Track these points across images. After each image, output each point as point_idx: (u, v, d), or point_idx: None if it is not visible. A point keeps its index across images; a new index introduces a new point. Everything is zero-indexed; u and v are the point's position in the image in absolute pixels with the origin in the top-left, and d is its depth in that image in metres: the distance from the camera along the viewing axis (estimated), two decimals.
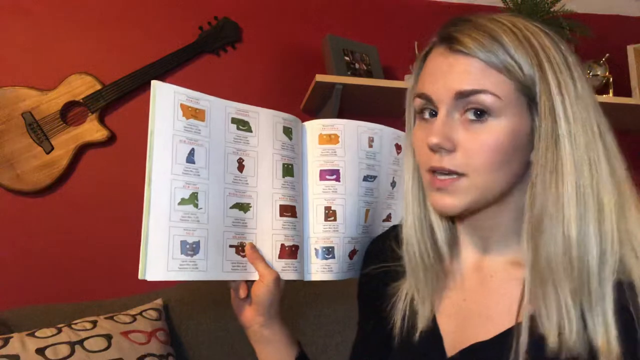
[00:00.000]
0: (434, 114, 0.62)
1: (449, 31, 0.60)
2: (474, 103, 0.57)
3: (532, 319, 0.57)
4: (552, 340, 0.55)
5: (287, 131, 0.81)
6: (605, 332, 0.54)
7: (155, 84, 0.70)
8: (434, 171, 0.61)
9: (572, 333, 0.54)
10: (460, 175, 0.59)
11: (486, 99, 0.57)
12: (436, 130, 0.59)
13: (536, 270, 0.57)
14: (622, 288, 0.55)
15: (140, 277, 0.65)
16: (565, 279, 0.55)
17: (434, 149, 0.59)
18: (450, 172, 0.59)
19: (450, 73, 0.59)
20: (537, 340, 0.56)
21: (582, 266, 0.55)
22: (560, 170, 0.56)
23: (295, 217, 0.79)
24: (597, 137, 0.58)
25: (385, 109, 1.74)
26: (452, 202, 0.60)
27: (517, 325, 0.58)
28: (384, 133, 0.86)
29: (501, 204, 0.63)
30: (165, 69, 1.71)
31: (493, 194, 0.60)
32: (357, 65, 1.72)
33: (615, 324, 0.54)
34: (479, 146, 0.57)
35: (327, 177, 0.81)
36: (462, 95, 0.58)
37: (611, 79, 1.83)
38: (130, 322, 1.34)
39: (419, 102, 0.63)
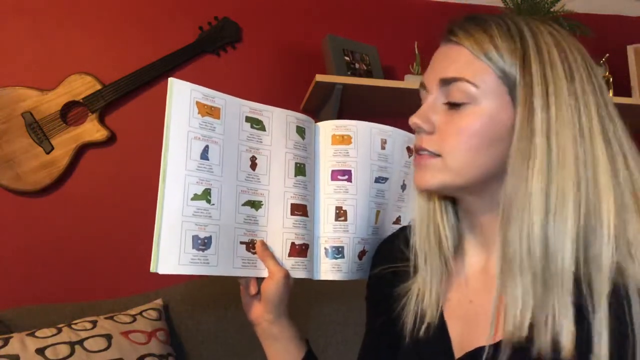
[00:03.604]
0: None
1: (448, 25, 0.64)
2: (455, 90, 0.60)
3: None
4: (508, 328, 0.55)
5: (300, 131, 0.82)
6: (599, 336, 0.53)
7: (172, 81, 0.71)
8: (417, 152, 0.64)
9: (525, 322, 0.54)
10: (436, 155, 0.62)
11: (464, 87, 0.59)
12: (419, 112, 0.63)
13: (504, 261, 0.57)
14: (616, 291, 0.54)
15: (152, 270, 0.66)
16: (527, 274, 0.55)
17: (415, 129, 0.64)
18: (429, 153, 0.62)
19: (440, 62, 0.63)
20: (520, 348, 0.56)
21: (549, 263, 0.54)
22: (532, 162, 0.56)
23: (306, 216, 0.80)
24: (597, 138, 0.57)
25: (386, 109, 1.74)
26: (426, 178, 0.62)
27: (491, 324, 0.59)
28: (396, 135, 0.86)
29: (491, 198, 0.62)
30: (165, 69, 1.71)
31: (469, 178, 0.61)
32: (357, 65, 1.72)
33: (608, 329, 0.53)
34: (454, 130, 0.60)
35: (339, 177, 0.82)
36: (444, 82, 0.61)
37: (611, 79, 1.83)
38: (130, 322, 1.34)
39: (420, 93, 0.67)
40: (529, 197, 0.55)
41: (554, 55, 0.59)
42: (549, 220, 0.55)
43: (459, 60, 0.61)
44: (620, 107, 0.62)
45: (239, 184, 0.75)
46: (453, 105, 0.61)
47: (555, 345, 0.54)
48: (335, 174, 0.82)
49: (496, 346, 0.60)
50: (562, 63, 0.59)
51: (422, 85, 0.66)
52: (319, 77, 1.57)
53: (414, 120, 0.63)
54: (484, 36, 0.60)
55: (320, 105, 1.76)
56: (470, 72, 0.59)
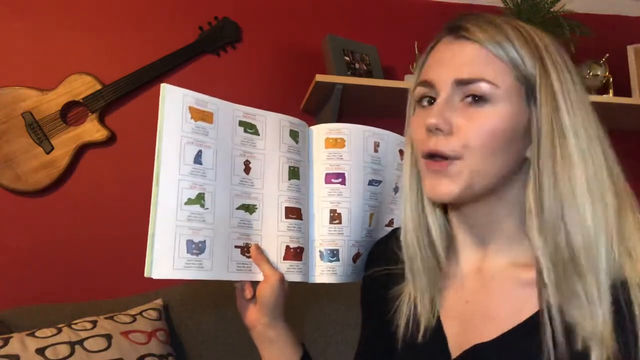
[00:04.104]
0: (432, 102, 0.62)
1: (456, 22, 0.62)
2: (472, 90, 0.59)
3: (556, 311, 0.57)
4: (587, 327, 0.55)
5: (294, 134, 0.81)
6: (603, 326, 0.54)
7: (164, 87, 0.71)
8: (430, 156, 0.61)
9: (599, 321, 0.54)
10: (455, 159, 0.59)
11: (483, 87, 0.58)
12: (435, 112, 0.59)
13: (557, 263, 0.57)
14: (616, 286, 0.56)
15: (146, 274, 0.66)
16: (589, 268, 0.55)
17: (431, 130, 0.60)
18: (446, 157, 0.60)
19: (454, 60, 0.60)
20: (561, 331, 0.56)
21: (597, 256, 0.55)
22: (568, 160, 0.56)
23: (301, 219, 0.80)
24: (595, 137, 0.58)
25: (385, 109, 1.74)
26: (447, 187, 0.60)
27: (541, 319, 0.58)
28: (389, 138, 0.86)
29: (494, 199, 0.63)
30: (165, 69, 1.71)
31: (487, 182, 0.60)
32: (357, 65, 1.71)
33: (611, 320, 0.54)
34: (475, 129, 0.58)
35: (333, 180, 0.82)
36: (461, 83, 0.59)
37: (611, 79, 1.83)
38: (130, 322, 1.34)
39: (419, 90, 0.64)
40: (577, 194, 0.56)
41: (558, 57, 0.60)
42: (594, 215, 0.56)
43: (477, 59, 0.59)
44: (620, 107, 0.64)
45: (233, 188, 0.75)
46: (471, 104, 0.59)
47: (598, 336, 0.54)
48: (329, 177, 0.82)
49: (496, 342, 0.60)
50: (564, 65, 0.60)
51: (428, 83, 0.63)
52: (319, 77, 1.57)
53: (431, 121, 0.59)
54: (502, 36, 0.59)
55: (320, 105, 1.76)
56: (490, 72, 0.58)
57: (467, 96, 0.59)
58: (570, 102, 0.58)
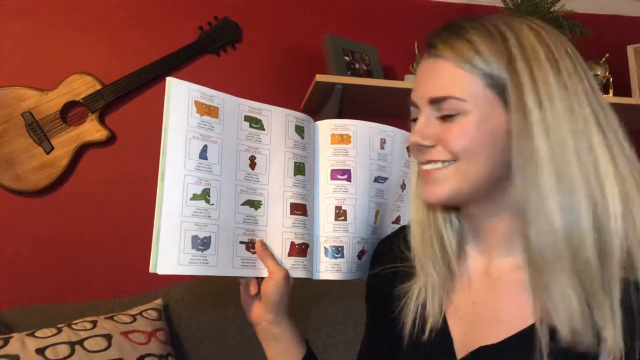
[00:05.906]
0: None
1: (429, 38, 0.64)
2: (445, 108, 0.60)
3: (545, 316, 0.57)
4: (564, 331, 0.55)
5: (300, 130, 0.81)
6: (612, 328, 0.54)
7: (170, 81, 0.71)
8: (424, 164, 0.64)
9: (579, 324, 0.54)
10: (450, 162, 0.61)
11: (453, 103, 0.60)
12: (416, 130, 0.63)
13: (532, 265, 0.58)
14: (628, 285, 0.55)
15: (151, 270, 0.66)
16: (560, 270, 0.55)
17: (416, 147, 0.64)
18: (442, 164, 0.62)
19: (425, 80, 0.63)
20: (553, 336, 0.56)
21: (577, 257, 0.55)
22: (535, 159, 0.56)
23: (306, 215, 0.80)
24: (592, 126, 0.57)
25: (385, 109, 1.74)
26: (435, 190, 0.62)
27: (535, 325, 0.58)
28: (395, 135, 0.86)
29: (494, 201, 0.63)
30: (165, 69, 1.71)
31: (477, 183, 0.61)
32: (357, 65, 1.71)
33: (620, 322, 0.54)
34: (453, 138, 0.60)
35: (339, 176, 0.82)
36: (434, 102, 0.61)
37: (611, 79, 1.83)
38: (130, 322, 1.34)
39: (411, 109, 0.67)
40: (542, 197, 0.55)
41: (538, 49, 0.58)
42: (569, 215, 0.55)
43: (443, 75, 0.61)
44: (620, 107, 0.62)
45: (238, 184, 0.75)
46: (446, 118, 0.61)
47: (599, 341, 0.54)
48: (335, 174, 0.82)
49: (502, 345, 0.60)
50: (546, 56, 0.58)
51: (412, 103, 0.66)
52: (319, 77, 1.57)
53: (413, 139, 0.63)
54: (464, 44, 0.60)
55: (320, 105, 1.76)
56: (456, 87, 0.59)
57: (442, 111, 0.61)
58: (547, 94, 0.56)
